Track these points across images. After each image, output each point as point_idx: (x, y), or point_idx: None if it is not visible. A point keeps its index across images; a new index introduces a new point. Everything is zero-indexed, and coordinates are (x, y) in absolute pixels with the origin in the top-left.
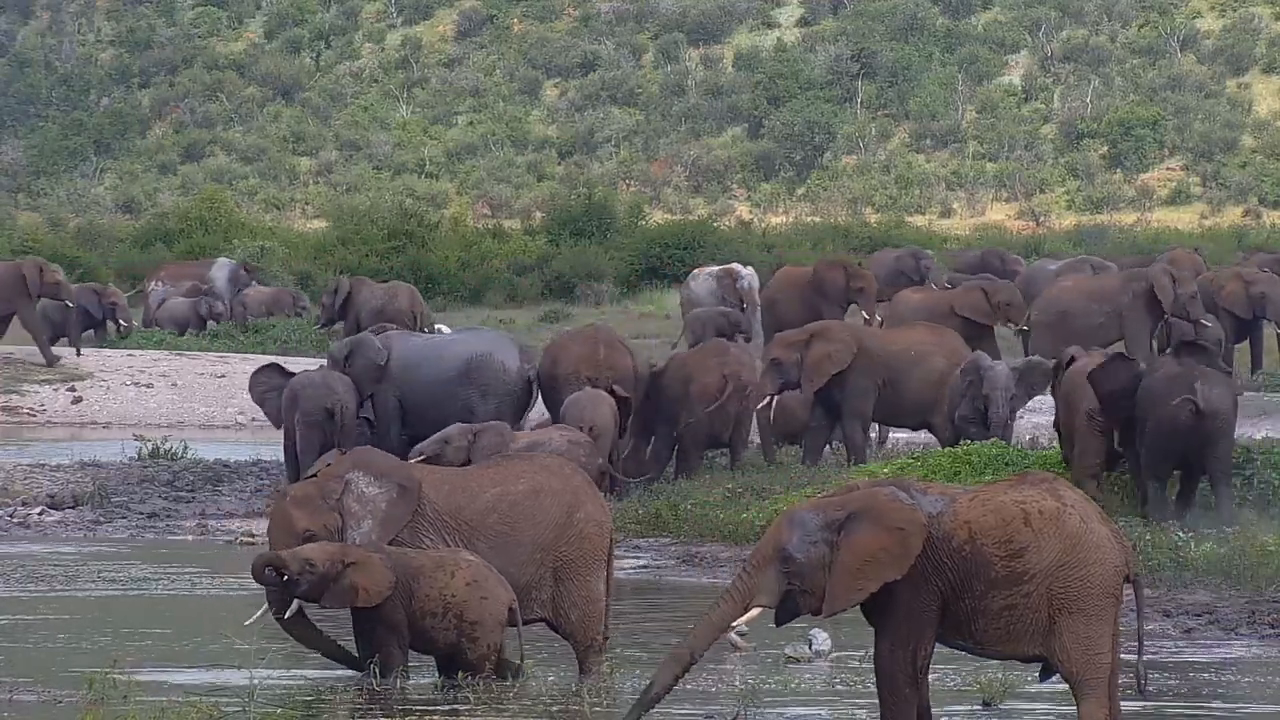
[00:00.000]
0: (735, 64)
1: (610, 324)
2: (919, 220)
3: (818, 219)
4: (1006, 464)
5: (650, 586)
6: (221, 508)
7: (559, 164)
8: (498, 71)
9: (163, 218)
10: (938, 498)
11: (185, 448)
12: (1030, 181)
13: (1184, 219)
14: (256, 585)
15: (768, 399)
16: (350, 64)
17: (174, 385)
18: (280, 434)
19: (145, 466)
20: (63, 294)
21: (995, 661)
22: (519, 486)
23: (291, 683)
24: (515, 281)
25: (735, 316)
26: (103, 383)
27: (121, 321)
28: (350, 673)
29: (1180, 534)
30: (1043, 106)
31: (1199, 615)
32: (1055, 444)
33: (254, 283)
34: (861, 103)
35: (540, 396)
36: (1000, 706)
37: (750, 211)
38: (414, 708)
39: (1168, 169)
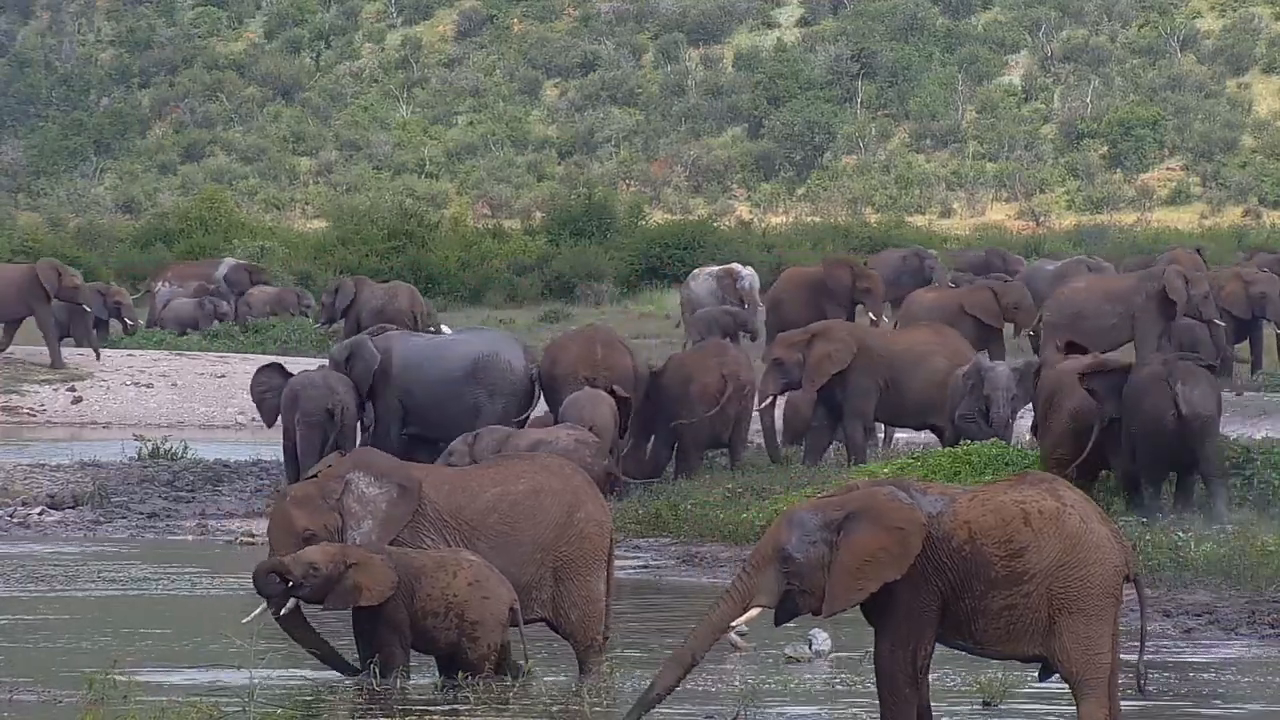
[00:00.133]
0: (735, 64)
1: (610, 324)
2: (919, 220)
3: (818, 219)
4: (1006, 464)
5: (650, 586)
6: (221, 508)
7: (559, 164)
8: (498, 71)
9: (163, 218)
10: (937, 498)
11: (185, 448)
12: (1030, 181)
13: (1184, 219)
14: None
15: (770, 399)
16: (350, 64)
17: (174, 385)
18: (278, 434)
19: (145, 466)
20: (80, 297)
21: (995, 661)
22: (519, 486)
23: (291, 683)
24: (515, 281)
25: (742, 316)
26: (103, 383)
27: (127, 320)
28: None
29: (1180, 534)
30: (1043, 106)
31: (1199, 615)
32: None
33: (261, 283)
34: (861, 103)
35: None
36: (1000, 706)
37: (750, 211)
38: (414, 708)
39: (1168, 169)
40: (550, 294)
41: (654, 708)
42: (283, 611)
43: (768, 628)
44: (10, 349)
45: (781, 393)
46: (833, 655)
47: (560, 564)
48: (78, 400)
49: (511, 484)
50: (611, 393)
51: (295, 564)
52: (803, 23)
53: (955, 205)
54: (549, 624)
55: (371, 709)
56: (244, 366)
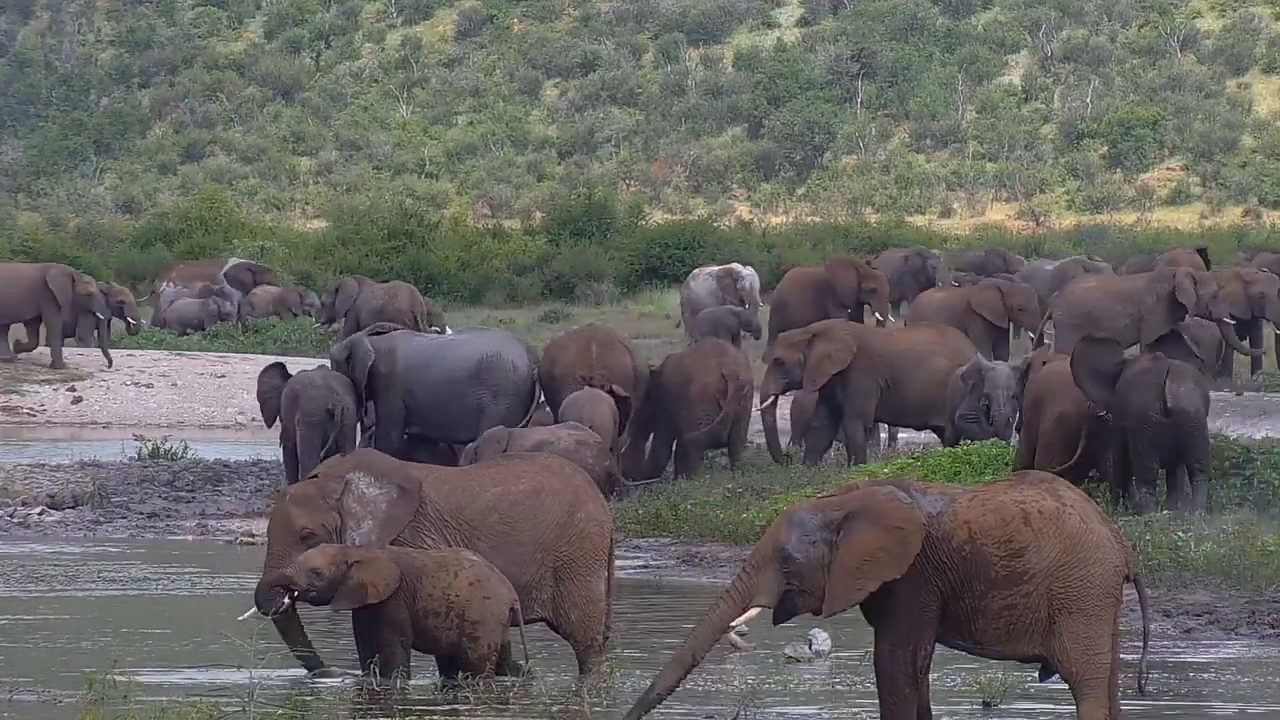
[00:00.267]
0: (735, 64)
1: (610, 324)
2: (919, 220)
3: (818, 219)
4: (1006, 464)
5: (650, 586)
6: (221, 508)
7: (559, 164)
8: (498, 71)
9: (163, 218)
10: (937, 498)
11: (185, 448)
12: (1030, 181)
13: (1184, 219)
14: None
15: (772, 399)
16: (350, 64)
17: (174, 385)
18: (278, 434)
19: (145, 466)
20: (94, 305)
21: (995, 661)
22: (520, 486)
23: (291, 683)
24: (515, 281)
25: (746, 316)
26: (103, 383)
27: (129, 319)
28: (352, 672)
29: (1180, 534)
30: (1043, 106)
31: (1199, 615)
32: None
33: (266, 283)
34: (861, 103)
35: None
36: (1000, 706)
37: (750, 211)
38: (414, 708)
39: (1168, 169)
40: (550, 294)
41: (654, 708)
42: (280, 611)
43: (768, 628)
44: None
45: (783, 392)
46: (833, 655)
47: (560, 564)
48: (78, 400)
49: (512, 484)
50: (611, 392)
51: (298, 573)
52: (803, 23)
53: (955, 205)
54: (549, 624)
55: (371, 709)
56: (244, 366)
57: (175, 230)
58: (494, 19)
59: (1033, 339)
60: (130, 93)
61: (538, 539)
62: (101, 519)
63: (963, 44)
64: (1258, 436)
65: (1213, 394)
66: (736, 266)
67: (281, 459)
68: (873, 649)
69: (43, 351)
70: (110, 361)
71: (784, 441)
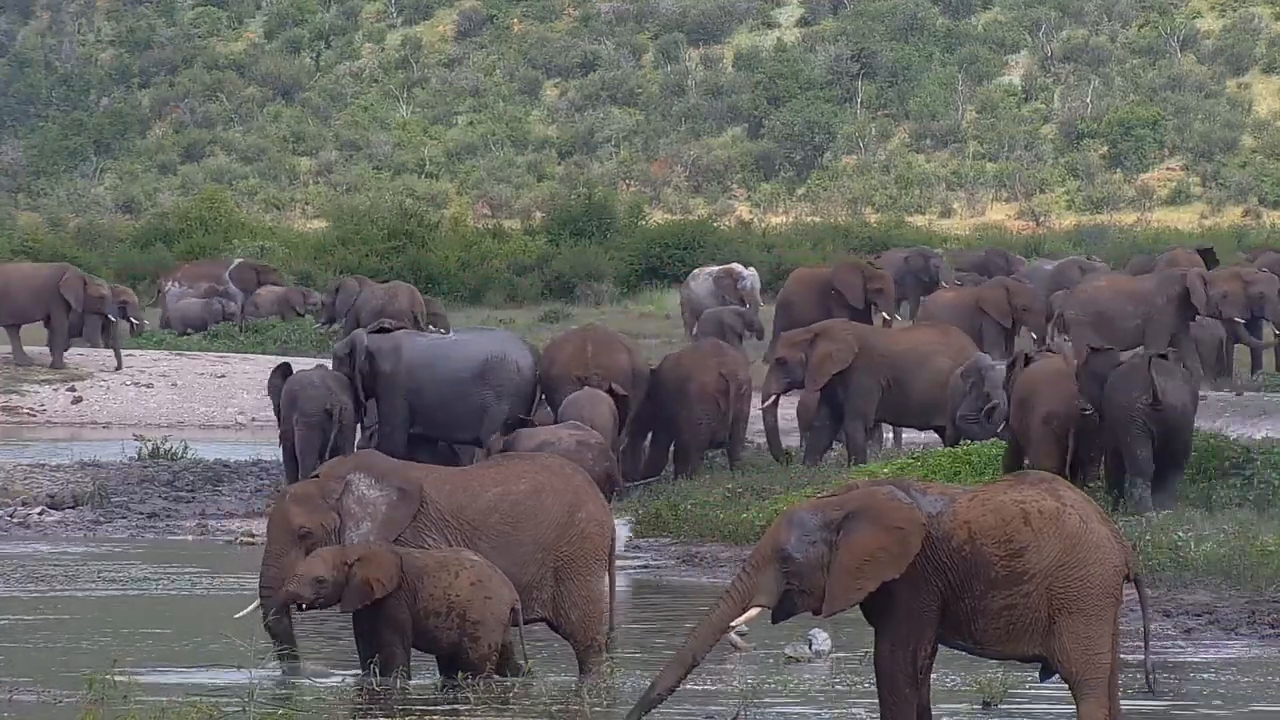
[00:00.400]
0: (735, 64)
1: (610, 324)
2: (919, 220)
3: (818, 219)
4: None
5: (650, 586)
6: (221, 508)
7: (559, 164)
8: (498, 71)
9: (163, 218)
10: (937, 497)
11: (185, 448)
12: (1030, 181)
13: (1184, 219)
14: (256, 584)
15: (773, 398)
16: (350, 64)
17: (174, 385)
18: (277, 434)
19: (145, 466)
20: (105, 307)
21: (995, 661)
22: (520, 486)
23: (291, 683)
24: (515, 281)
25: (749, 316)
26: (103, 383)
27: (133, 320)
28: (353, 672)
29: (1180, 534)
30: (1043, 106)
31: (1199, 615)
32: None
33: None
34: (861, 103)
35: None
36: (1000, 706)
37: (750, 211)
38: (414, 708)
39: (1168, 169)
40: (550, 294)
41: (655, 708)
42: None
43: (768, 628)
44: (9, 350)
45: (785, 391)
46: (833, 655)
47: (561, 564)
48: (78, 400)
49: (513, 484)
50: (611, 392)
51: (302, 586)
52: (803, 23)
53: (955, 205)
54: (549, 624)
55: (371, 709)
56: (244, 367)
57: (175, 230)
58: (494, 19)
59: (1035, 339)
60: (130, 93)
61: (539, 539)
62: (101, 519)
63: (963, 44)
64: (1258, 436)
65: (1213, 394)
66: (737, 267)
67: (281, 459)
68: (873, 649)
69: (43, 351)
70: (120, 363)
71: (786, 441)
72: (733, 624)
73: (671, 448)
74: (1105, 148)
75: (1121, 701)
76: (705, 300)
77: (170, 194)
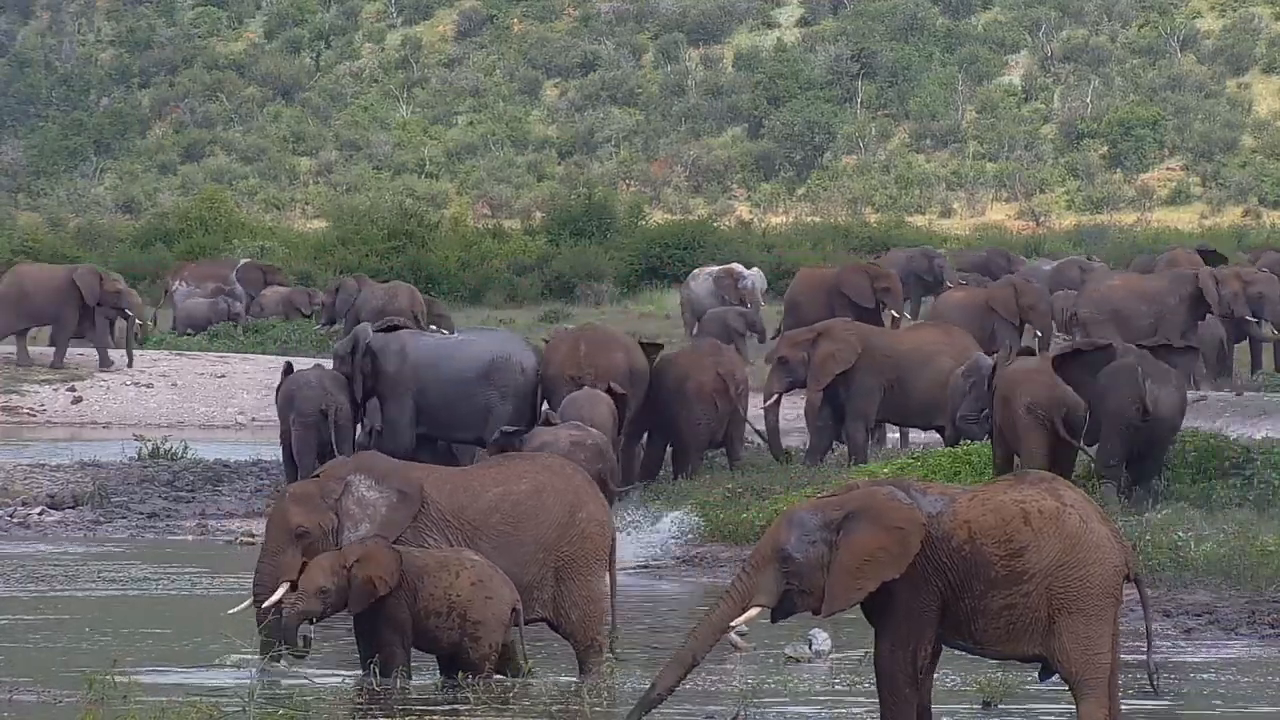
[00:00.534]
0: (735, 64)
1: (610, 324)
2: (919, 220)
3: (818, 219)
4: None
5: (650, 586)
6: (221, 508)
7: (559, 164)
8: (498, 71)
9: (163, 218)
10: (937, 497)
11: (185, 448)
12: (1030, 181)
13: (1184, 219)
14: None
15: (775, 398)
16: (350, 64)
17: (174, 385)
18: (277, 434)
19: (145, 466)
20: (123, 302)
21: (995, 661)
22: (521, 486)
23: (291, 683)
24: (515, 281)
25: (751, 316)
26: (103, 383)
27: (137, 319)
28: (353, 672)
29: (1180, 534)
30: (1043, 106)
31: (1199, 615)
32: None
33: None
34: (861, 103)
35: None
36: (1000, 706)
37: (750, 211)
38: (414, 708)
39: (1168, 169)
40: (550, 294)
41: (655, 708)
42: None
43: (768, 628)
44: (10, 349)
45: (787, 391)
46: (833, 655)
47: (562, 564)
48: (78, 400)
49: (513, 484)
50: (610, 391)
51: (309, 600)
52: (803, 23)
53: (955, 205)
54: (549, 624)
55: (371, 709)
56: (244, 366)
57: (175, 230)
58: (494, 19)
59: (1039, 337)
60: (130, 93)
61: (539, 539)
62: (101, 519)
63: (963, 44)
64: (1258, 436)
65: (1213, 394)
66: (737, 267)
67: (281, 459)
68: (873, 649)
69: (44, 351)
70: (131, 361)
71: (787, 441)
72: (733, 624)
73: (669, 449)
74: (1105, 148)
75: (1122, 701)
76: (705, 300)
77: (170, 194)
